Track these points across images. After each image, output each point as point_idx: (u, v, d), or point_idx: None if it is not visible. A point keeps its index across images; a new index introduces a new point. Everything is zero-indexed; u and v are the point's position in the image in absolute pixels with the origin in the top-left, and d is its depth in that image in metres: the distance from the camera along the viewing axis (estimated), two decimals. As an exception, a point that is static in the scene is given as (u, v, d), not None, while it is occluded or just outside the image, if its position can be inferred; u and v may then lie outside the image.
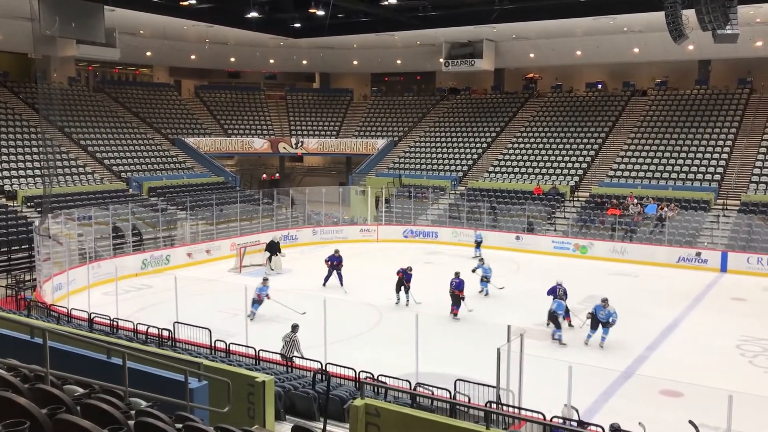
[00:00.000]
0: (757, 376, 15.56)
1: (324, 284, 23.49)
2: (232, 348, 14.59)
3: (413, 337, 14.38)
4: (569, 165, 36.12)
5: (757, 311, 21.15)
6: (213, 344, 14.92)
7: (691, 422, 10.07)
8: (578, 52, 39.33)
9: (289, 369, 13.73)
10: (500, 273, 26.93)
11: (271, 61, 46.38)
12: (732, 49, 30.92)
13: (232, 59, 45.47)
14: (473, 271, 22.59)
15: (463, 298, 19.67)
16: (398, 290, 21.19)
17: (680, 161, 33.59)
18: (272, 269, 25.95)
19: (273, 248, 26.43)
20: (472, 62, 39.92)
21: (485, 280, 22.47)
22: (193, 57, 43.65)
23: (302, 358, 14.28)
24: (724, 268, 26.84)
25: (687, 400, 13.36)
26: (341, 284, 23.20)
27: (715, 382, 13.66)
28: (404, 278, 21.16)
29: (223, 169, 40.22)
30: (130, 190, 33.83)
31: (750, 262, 26.55)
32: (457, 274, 20.03)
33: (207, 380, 7.40)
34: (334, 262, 23.53)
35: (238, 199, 33.73)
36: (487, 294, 22.51)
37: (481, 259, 23.70)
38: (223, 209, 32.61)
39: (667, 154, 34.28)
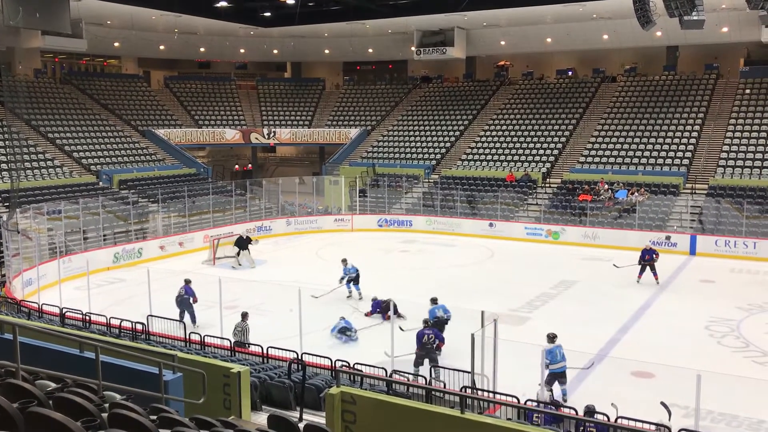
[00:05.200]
0: (724, 355, 15.91)
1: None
2: (207, 340, 14.53)
3: (388, 325, 14.49)
4: (541, 152, 36.40)
5: (725, 293, 21.59)
6: (187, 337, 14.84)
7: (662, 404, 10.31)
8: (548, 39, 39.56)
9: (266, 360, 13.73)
10: (475, 260, 27.21)
11: (242, 50, 45.97)
12: (699, 35, 31.39)
13: (202, 49, 44.96)
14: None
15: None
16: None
17: (649, 146, 34.03)
18: (240, 264, 25.79)
19: (242, 244, 26.25)
20: (444, 50, 39.97)
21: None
22: (162, 47, 43.08)
23: (250, 344, 14.75)
24: (693, 251, 27.33)
25: (658, 381, 13.63)
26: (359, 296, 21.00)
27: (685, 362, 13.94)
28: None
29: (194, 160, 39.83)
30: (100, 183, 33.37)
31: (718, 245, 27.07)
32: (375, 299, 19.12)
33: (181, 372, 7.40)
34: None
35: (210, 191, 33.45)
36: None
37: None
38: (195, 201, 32.35)
39: (637, 140, 34.71)
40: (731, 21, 33.65)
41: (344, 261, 21.39)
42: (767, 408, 12.62)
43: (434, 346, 14.25)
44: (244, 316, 15.60)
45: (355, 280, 20.92)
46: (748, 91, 35.45)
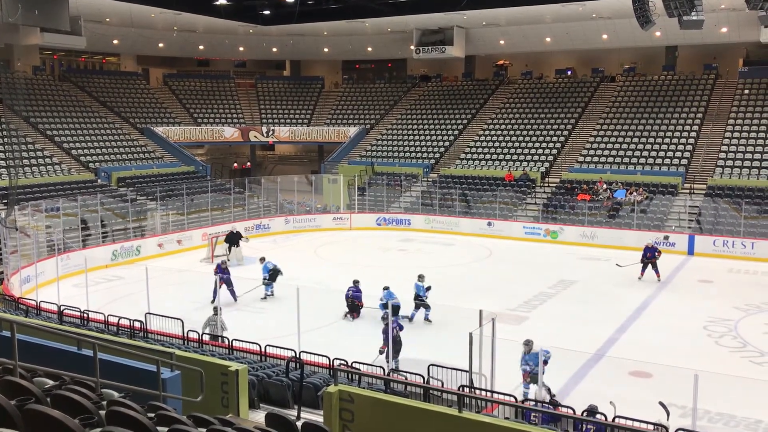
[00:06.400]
0: (722, 355, 15.93)
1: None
2: (205, 338, 14.54)
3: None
4: (540, 151, 36.40)
5: (722, 293, 21.62)
6: (186, 335, 14.84)
7: (661, 403, 10.31)
8: (548, 39, 39.55)
9: (264, 358, 13.73)
10: (473, 259, 27.23)
11: (241, 48, 45.93)
12: (698, 35, 31.40)
13: (201, 47, 44.93)
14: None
15: (361, 307, 18.70)
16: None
17: (648, 146, 34.04)
18: (228, 260, 25.72)
19: (232, 239, 26.26)
20: (443, 49, 39.95)
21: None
22: (161, 45, 43.05)
23: (222, 337, 15.07)
24: (691, 251, 27.35)
25: (656, 381, 13.65)
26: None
27: (683, 362, 13.96)
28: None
29: (193, 158, 39.81)
30: (99, 180, 33.34)
31: (716, 245, 27.08)
32: (355, 283, 19.01)
33: (179, 370, 7.39)
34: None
35: (209, 189, 33.45)
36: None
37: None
38: (193, 199, 32.32)
39: (636, 139, 34.72)
40: (730, 21, 33.65)
41: (262, 259, 21.43)
42: (765, 408, 12.64)
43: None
44: (216, 310, 15.78)
45: (271, 277, 20.73)
46: (747, 91, 35.47)
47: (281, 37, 43.75)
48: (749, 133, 32.84)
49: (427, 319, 18.25)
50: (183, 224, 30.32)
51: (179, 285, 21.83)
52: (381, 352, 14.63)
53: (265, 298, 20.67)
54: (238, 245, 26.12)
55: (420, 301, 18.17)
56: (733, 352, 16.18)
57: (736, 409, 12.43)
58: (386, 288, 18.08)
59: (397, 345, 14.50)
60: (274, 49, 46.18)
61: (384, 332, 14.65)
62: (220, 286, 18.87)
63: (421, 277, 18.55)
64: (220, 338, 15.03)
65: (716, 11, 31.75)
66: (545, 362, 12.34)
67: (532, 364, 12.60)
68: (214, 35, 42.71)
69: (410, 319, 18.05)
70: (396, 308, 17.68)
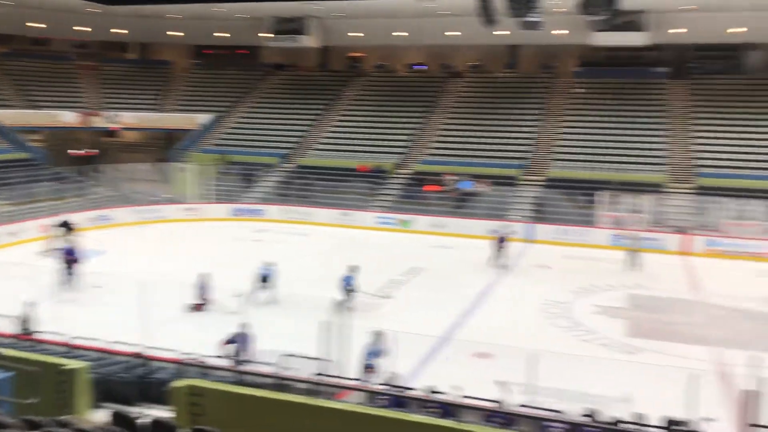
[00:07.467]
0: (557, 335, 17.21)
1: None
2: (42, 336, 13.66)
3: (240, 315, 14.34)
4: (393, 143, 37.21)
5: (558, 277, 23.29)
6: (19, 333, 13.86)
7: (498, 383, 10.98)
8: (401, 33, 40.39)
9: (106, 355, 13.10)
10: (327, 248, 27.42)
11: (84, 28, 43.06)
12: (537, 36, 33.33)
13: (39, 24, 41.63)
14: None
15: (206, 302, 18.63)
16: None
17: (491, 140, 35.85)
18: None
19: (66, 227, 24.98)
20: (297, 38, 39.74)
21: None
22: (-12, 20, 39.48)
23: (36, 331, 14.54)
24: (531, 238, 29.17)
25: (497, 361, 14.49)
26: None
27: (522, 342, 14.92)
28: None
29: (28, 144, 36.93)
30: None
31: (553, 233, 29.10)
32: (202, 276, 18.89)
33: (12, 371, 6.94)
34: None
35: (46, 177, 31.20)
36: None
37: None
38: (30, 188, 30.08)
39: (480, 133, 36.42)
40: (567, 24, 36.02)
41: (74, 239, 21.62)
42: (591, 381, 13.77)
43: None
44: (30, 304, 15.16)
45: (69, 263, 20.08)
46: (581, 90, 38.24)
47: (127, 17, 41.54)
48: (583, 130, 35.48)
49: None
50: (16, 215, 28.15)
51: (13, 279, 20.29)
52: (227, 342, 14.36)
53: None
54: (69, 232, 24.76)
55: (350, 290, 18.45)
56: (566, 332, 17.51)
57: (568, 384, 13.45)
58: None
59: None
60: (120, 30, 43.79)
61: (238, 328, 14.35)
62: (70, 267, 18.10)
63: (354, 269, 18.67)
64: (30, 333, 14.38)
65: (554, 14, 33.82)
66: (377, 354, 12.74)
67: (375, 358, 13.04)
68: (53, 12, 39.73)
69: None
70: (265, 277, 18.60)
